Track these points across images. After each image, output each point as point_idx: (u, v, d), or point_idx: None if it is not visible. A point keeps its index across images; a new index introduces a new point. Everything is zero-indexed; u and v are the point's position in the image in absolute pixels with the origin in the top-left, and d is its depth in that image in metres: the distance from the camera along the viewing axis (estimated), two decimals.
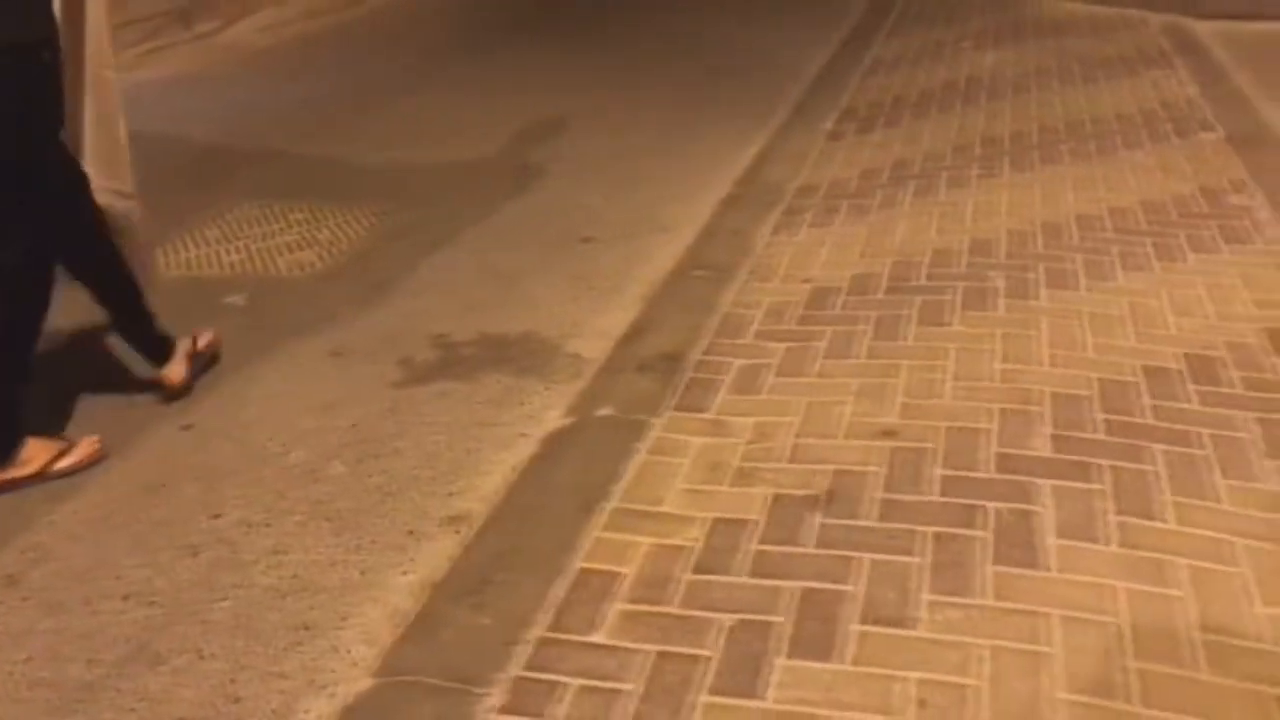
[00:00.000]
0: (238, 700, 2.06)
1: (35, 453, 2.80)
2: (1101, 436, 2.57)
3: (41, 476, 2.78)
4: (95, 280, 3.05)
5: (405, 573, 2.39)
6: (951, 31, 7.19)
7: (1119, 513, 2.30)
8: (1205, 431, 2.57)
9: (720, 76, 6.62)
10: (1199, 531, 2.23)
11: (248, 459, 2.87)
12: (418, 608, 2.24)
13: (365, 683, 2.05)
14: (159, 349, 3.18)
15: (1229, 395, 2.73)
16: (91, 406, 3.17)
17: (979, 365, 2.92)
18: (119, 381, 3.27)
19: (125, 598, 2.36)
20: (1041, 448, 2.54)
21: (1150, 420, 2.63)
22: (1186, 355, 2.93)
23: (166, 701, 2.06)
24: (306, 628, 2.24)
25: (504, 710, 1.91)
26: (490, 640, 2.08)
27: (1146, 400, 2.72)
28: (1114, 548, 2.20)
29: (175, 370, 3.17)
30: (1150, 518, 2.28)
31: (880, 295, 3.41)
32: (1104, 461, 2.47)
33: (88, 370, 3.38)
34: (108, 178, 3.00)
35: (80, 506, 2.70)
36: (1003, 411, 2.70)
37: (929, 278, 3.50)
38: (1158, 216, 3.87)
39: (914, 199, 4.21)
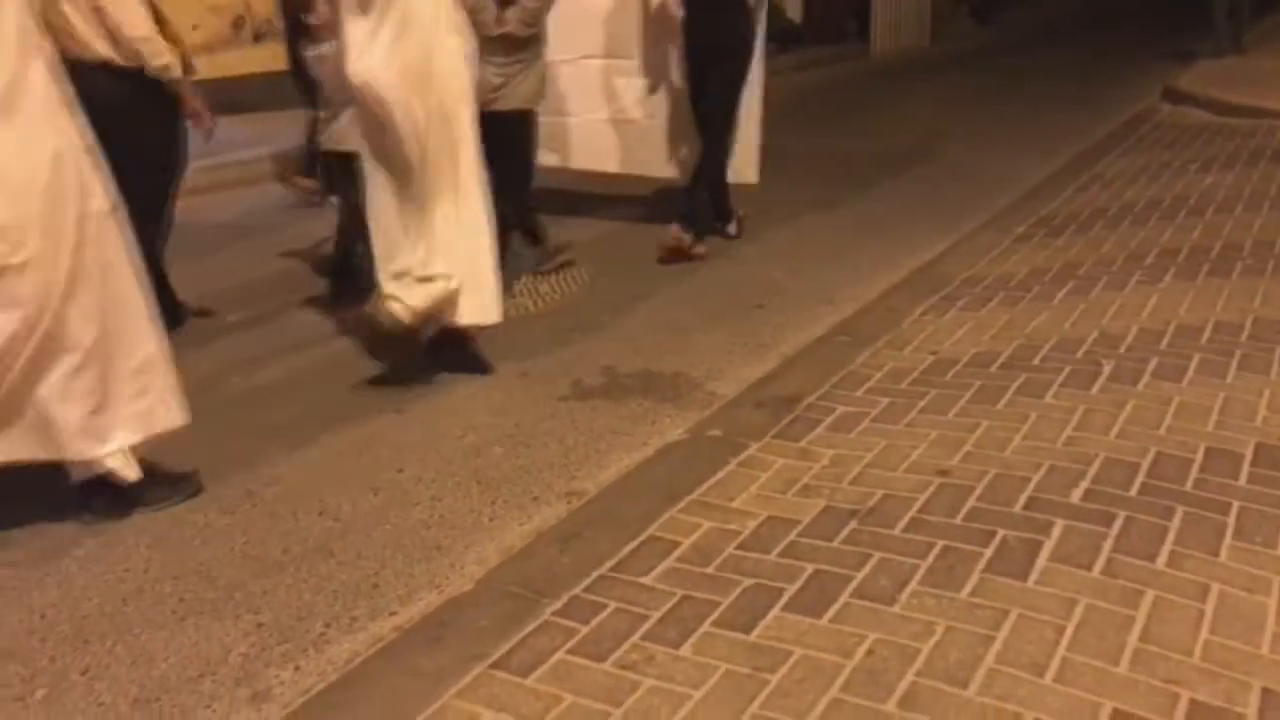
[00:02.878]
0: (376, 586, 2.77)
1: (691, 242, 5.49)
2: (1133, 494, 2.86)
3: (689, 255, 5.43)
4: None
5: (521, 524, 3.05)
6: (1183, 155, 7.27)
7: (1115, 550, 2.60)
8: (1237, 503, 2.81)
9: (934, 186, 7.08)
10: (1182, 574, 2.50)
11: (433, 437, 3.63)
12: (522, 546, 2.88)
13: (467, 587, 2.70)
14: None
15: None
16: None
17: (1050, 431, 3.25)
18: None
19: (320, 514, 3.15)
20: (1073, 497, 2.87)
21: (1188, 489, 2.89)
22: (1259, 444, 3.13)
23: (329, 580, 2.81)
24: (439, 549, 2.94)
25: (557, 614, 2.50)
26: (565, 571, 2.68)
27: (1195, 473, 2.97)
28: (1096, 574, 2.51)
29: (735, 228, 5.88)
30: (1142, 558, 2.57)
31: (994, 369, 3.77)
32: (1124, 513, 2.77)
33: None
34: None
35: (309, 453, 3.55)
36: (1051, 467, 3.03)
37: (1044, 359, 3.83)
38: None
39: (1066, 296, 4.50)
